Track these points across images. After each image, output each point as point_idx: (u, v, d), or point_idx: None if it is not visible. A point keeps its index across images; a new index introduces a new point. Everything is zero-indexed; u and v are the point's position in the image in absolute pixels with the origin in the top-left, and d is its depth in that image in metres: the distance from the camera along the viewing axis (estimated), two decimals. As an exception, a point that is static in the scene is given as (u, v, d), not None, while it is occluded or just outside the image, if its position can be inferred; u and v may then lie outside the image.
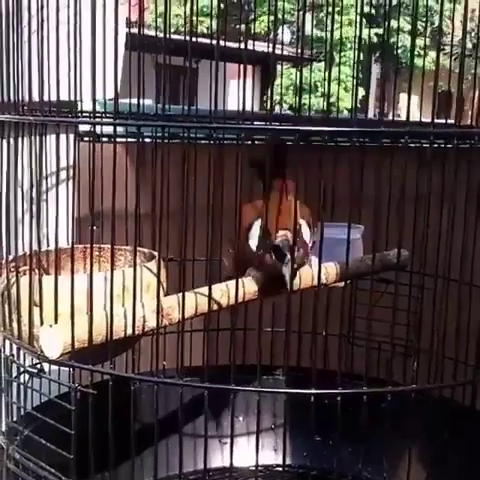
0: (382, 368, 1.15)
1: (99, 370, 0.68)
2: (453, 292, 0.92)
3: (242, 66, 0.91)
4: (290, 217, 0.77)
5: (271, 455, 1.14)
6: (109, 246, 0.94)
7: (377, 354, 1.11)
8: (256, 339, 1.14)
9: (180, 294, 0.75)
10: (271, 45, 1.02)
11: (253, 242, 0.85)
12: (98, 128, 1.07)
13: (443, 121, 1.32)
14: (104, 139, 1.15)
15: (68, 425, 0.70)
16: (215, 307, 0.79)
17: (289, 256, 0.76)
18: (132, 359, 0.99)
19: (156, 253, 0.86)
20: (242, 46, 1.07)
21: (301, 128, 0.65)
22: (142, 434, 0.81)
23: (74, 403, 0.68)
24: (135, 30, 1.23)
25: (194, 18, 1.31)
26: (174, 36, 1.20)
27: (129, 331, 0.69)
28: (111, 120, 0.94)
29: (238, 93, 1.23)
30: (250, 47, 1.38)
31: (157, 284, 0.69)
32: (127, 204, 1.13)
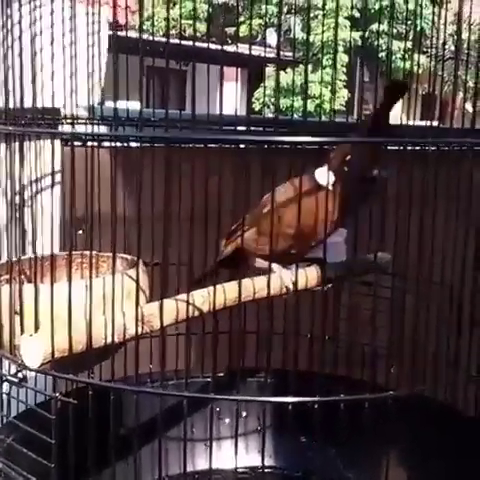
0: (367, 369, 1.16)
1: (78, 379, 0.68)
2: (435, 294, 0.93)
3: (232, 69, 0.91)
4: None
5: (256, 457, 1.15)
6: (93, 253, 0.95)
7: (361, 356, 1.12)
8: (243, 343, 1.15)
9: (162, 301, 0.75)
10: (261, 47, 1.02)
11: (322, 177, 0.86)
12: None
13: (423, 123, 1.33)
14: (89, 144, 1.16)
15: (50, 433, 0.70)
16: (197, 313, 0.79)
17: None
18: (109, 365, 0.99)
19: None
20: (230, 48, 1.07)
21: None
22: (126, 440, 0.81)
23: (54, 412, 0.68)
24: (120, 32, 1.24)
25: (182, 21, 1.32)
26: (163, 39, 1.20)
27: (109, 339, 0.69)
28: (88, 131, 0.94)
29: (221, 97, 1.24)
30: (238, 50, 1.38)
31: (136, 291, 0.69)
32: (113, 209, 1.13)
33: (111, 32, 1.32)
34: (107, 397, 0.70)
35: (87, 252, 0.90)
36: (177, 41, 1.29)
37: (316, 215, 0.85)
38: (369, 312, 0.93)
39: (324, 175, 0.86)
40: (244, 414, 1.13)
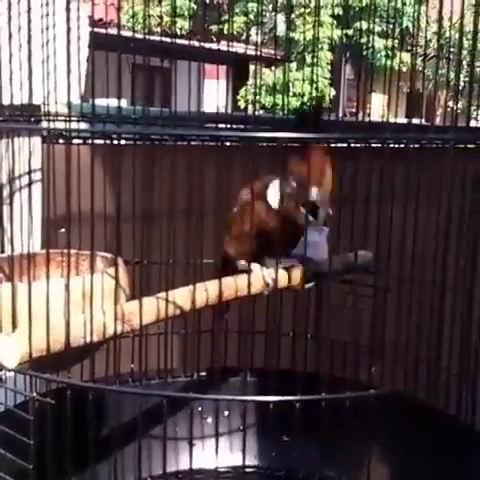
0: (349, 367, 1.16)
1: (56, 379, 0.67)
2: (416, 292, 0.93)
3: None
4: (325, 178, 0.84)
5: (239, 456, 1.14)
6: (73, 251, 0.94)
7: (343, 354, 1.12)
8: (230, 342, 1.15)
9: (143, 299, 0.75)
10: (245, 45, 1.02)
11: (272, 199, 0.89)
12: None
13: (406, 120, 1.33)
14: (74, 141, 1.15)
15: (29, 434, 0.69)
16: (178, 312, 0.79)
17: (321, 213, 0.83)
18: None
19: (118, 258, 0.85)
20: (215, 46, 1.07)
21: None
22: (106, 440, 0.81)
23: (32, 413, 0.67)
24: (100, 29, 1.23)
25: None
26: (146, 36, 1.19)
27: (89, 339, 0.69)
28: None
29: (198, 93, 1.23)
30: (224, 48, 1.38)
31: (115, 290, 0.68)
32: (93, 207, 1.12)
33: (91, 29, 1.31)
34: (87, 397, 0.69)
35: (66, 251, 0.89)
36: (158, 38, 1.29)
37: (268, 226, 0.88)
38: (351, 311, 0.93)
39: (274, 195, 0.89)
40: (226, 413, 1.12)
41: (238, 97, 8.03)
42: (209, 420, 1.17)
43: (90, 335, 0.68)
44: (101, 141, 1.21)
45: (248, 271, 0.87)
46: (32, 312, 0.67)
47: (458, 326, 0.84)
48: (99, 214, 1.12)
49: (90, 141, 1.14)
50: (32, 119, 1.12)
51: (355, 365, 1.01)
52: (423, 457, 0.94)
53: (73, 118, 1.18)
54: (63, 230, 1.23)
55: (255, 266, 0.90)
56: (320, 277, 0.99)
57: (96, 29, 1.18)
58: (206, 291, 0.80)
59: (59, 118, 1.12)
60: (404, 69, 1.38)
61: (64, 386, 0.69)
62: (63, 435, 0.65)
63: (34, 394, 0.68)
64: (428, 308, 0.92)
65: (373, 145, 1.04)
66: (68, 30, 0.99)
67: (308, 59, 7.05)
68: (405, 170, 0.97)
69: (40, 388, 0.75)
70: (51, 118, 1.13)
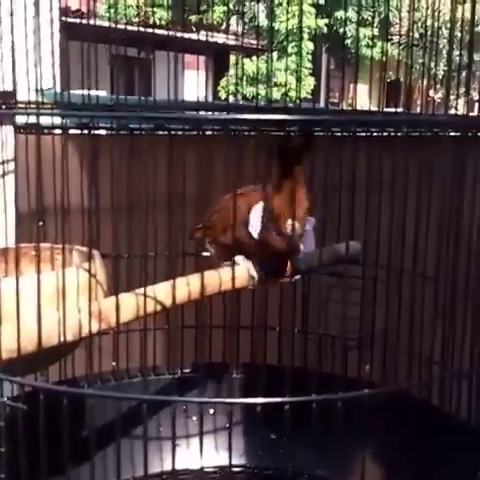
0: (338, 361, 1.13)
1: (27, 383, 0.63)
2: (406, 284, 0.90)
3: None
4: (301, 208, 0.82)
5: (225, 456, 1.11)
6: (48, 245, 0.89)
7: (331, 348, 1.09)
8: (215, 337, 1.11)
9: (121, 295, 0.70)
10: (226, 35, 0.98)
11: (254, 227, 0.86)
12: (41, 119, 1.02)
13: (392, 110, 1.31)
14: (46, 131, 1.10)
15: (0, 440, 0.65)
16: (159, 308, 0.75)
17: (302, 248, 0.82)
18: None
19: (95, 251, 0.81)
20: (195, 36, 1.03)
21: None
22: (85, 442, 0.76)
23: (2, 418, 0.63)
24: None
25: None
26: (128, 27, 1.16)
27: (64, 338, 0.64)
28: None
29: (176, 83, 1.19)
30: (204, 38, 1.34)
31: (89, 285, 0.63)
32: (69, 199, 1.08)
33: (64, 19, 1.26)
34: (62, 400, 0.65)
35: (43, 244, 0.85)
36: (136, 29, 1.24)
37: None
38: (339, 304, 0.90)
39: (255, 225, 0.86)
40: (212, 411, 1.09)
41: (219, 88, 7.97)
42: (194, 418, 1.13)
43: (65, 334, 0.64)
44: (78, 131, 1.17)
45: (232, 264, 0.84)
46: (1, 310, 0.63)
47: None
48: (77, 206, 1.08)
49: (62, 131, 1.09)
50: (3, 107, 1.07)
51: (345, 360, 0.98)
52: (416, 454, 0.91)
53: (46, 106, 1.13)
54: (41, 223, 1.19)
55: (239, 258, 0.87)
56: (307, 269, 0.95)
57: (70, 19, 1.14)
58: (188, 286, 0.76)
59: (32, 106, 1.07)
60: (384, 59, 1.36)
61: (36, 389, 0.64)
62: (37, 440, 0.61)
63: (4, 399, 0.64)
64: (419, 300, 0.89)
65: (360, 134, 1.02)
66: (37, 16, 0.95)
67: (289, 49, 7.01)
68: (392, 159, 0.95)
69: (12, 391, 0.71)
70: (24, 106, 1.08)
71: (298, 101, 1.54)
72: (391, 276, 0.98)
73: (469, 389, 0.76)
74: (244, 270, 0.85)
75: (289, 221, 0.80)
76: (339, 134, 1.07)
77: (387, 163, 0.93)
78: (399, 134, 0.95)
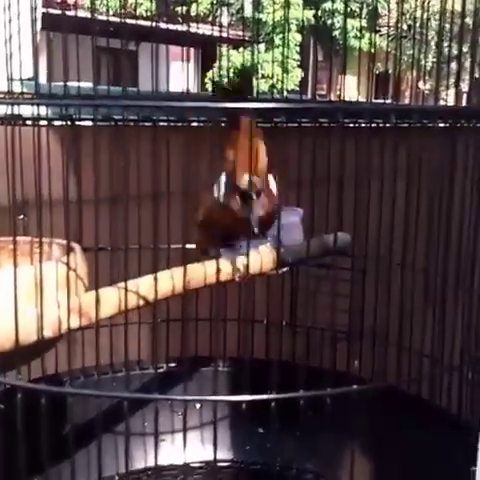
0: (325, 354, 1.12)
1: (4, 381, 0.60)
2: (396, 276, 0.88)
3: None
4: (257, 161, 0.76)
5: (211, 450, 1.09)
6: (27, 239, 0.86)
7: (320, 341, 1.08)
8: (201, 330, 1.09)
9: (102, 290, 0.68)
10: (212, 27, 0.95)
11: (220, 192, 0.83)
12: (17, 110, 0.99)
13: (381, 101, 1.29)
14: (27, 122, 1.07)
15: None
16: (142, 302, 0.73)
17: (255, 197, 0.75)
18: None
19: (75, 244, 0.79)
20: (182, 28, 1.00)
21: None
22: (66, 439, 0.74)
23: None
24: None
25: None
26: (112, 19, 1.13)
27: (44, 333, 0.62)
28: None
29: (167, 73, 1.16)
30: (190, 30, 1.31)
31: (71, 279, 0.61)
32: (50, 192, 1.05)
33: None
34: (40, 398, 0.63)
35: (20, 238, 0.82)
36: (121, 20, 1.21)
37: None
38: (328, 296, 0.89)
39: (221, 188, 0.84)
40: (198, 406, 1.06)
41: (206, 79, 7.92)
42: (180, 413, 1.11)
43: (43, 331, 0.61)
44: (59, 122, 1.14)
45: (217, 256, 0.82)
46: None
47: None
48: (59, 199, 1.06)
49: (36, 121, 1.07)
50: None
51: (334, 353, 0.97)
52: (406, 448, 0.90)
53: (27, 97, 1.10)
54: (21, 217, 1.16)
55: (225, 250, 0.85)
56: (295, 261, 0.93)
57: (52, 10, 1.12)
58: (172, 279, 0.74)
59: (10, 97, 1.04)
60: (373, 50, 1.34)
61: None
62: (15, 439, 0.59)
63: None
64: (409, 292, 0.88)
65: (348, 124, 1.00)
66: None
67: (277, 40, 6.97)
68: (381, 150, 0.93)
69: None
70: (3, 96, 1.05)
71: (285, 92, 1.53)
72: (380, 268, 0.97)
73: (460, 383, 0.75)
74: (228, 262, 0.83)
75: (246, 176, 0.77)
76: (327, 124, 1.06)
77: (376, 153, 0.92)
78: (388, 125, 0.94)
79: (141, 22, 1.17)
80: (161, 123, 1.11)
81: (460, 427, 0.82)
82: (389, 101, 1.52)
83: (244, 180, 0.77)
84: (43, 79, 1.19)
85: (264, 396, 0.60)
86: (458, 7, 0.94)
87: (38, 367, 1.00)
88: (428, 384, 0.73)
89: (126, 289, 0.64)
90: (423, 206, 0.83)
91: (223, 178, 0.83)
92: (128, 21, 1.13)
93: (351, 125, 1.08)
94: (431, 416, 0.88)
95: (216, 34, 1.66)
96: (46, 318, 0.63)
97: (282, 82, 1.58)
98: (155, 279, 0.69)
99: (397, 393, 0.77)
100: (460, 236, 0.82)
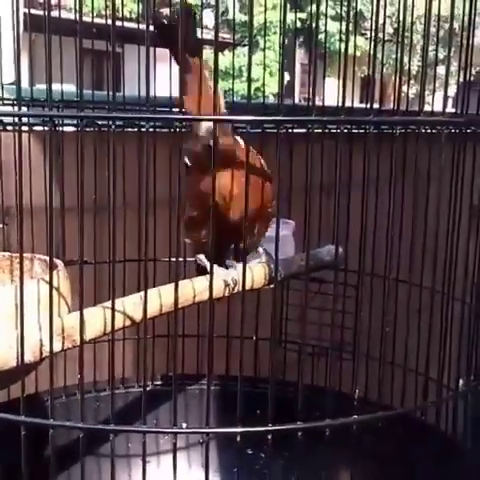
0: (318, 372, 1.08)
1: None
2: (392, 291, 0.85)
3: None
4: (210, 104, 0.71)
5: (200, 473, 1.05)
6: (7, 254, 0.82)
7: (311, 359, 1.04)
8: (188, 347, 1.05)
9: (87, 310, 0.64)
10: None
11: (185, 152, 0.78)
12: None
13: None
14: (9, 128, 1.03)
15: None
16: (128, 322, 0.68)
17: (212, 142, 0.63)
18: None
19: (58, 261, 0.74)
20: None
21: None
22: (47, 462, 0.70)
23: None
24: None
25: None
26: (96, 20, 1.09)
27: (24, 358, 0.57)
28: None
29: (154, 76, 1.12)
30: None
31: (50, 301, 0.56)
32: (31, 200, 1.01)
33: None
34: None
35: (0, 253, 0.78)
36: (103, 21, 1.17)
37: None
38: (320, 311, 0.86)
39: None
40: (184, 425, 1.02)
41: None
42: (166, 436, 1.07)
43: (23, 355, 0.57)
44: (41, 128, 1.09)
45: (206, 272, 0.78)
46: None
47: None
48: (40, 208, 1.01)
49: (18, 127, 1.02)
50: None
51: (330, 371, 0.93)
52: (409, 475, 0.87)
53: (7, 102, 1.06)
54: (1, 226, 1.11)
55: (201, 257, 0.84)
56: (286, 275, 0.90)
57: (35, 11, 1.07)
58: (160, 298, 0.70)
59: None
60: (358, 53, 1.32)
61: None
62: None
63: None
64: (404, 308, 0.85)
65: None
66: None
67: (261, 43, 6.94)
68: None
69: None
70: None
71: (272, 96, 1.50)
72: (374, 283, 0.94)
73: (465, 409, 0.71)
74: (219, 278, 0.79)
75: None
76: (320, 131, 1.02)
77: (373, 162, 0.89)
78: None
79: (125, 23, 1.13)
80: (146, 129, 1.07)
81: (466, 453, 0.78)
82: (376, 106, 1.49)
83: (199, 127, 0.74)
84: (25, 83, 1.14)
85: (260, 428, 0.56)
86: (444, 11, 0.92)
87: (17, 386, 0.96)
88: (434, 410, 0.70)
89: (113, 309, 0.59)
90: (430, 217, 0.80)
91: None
92: (111, 22, 1.09)
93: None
94: (436, 442, 0.84)
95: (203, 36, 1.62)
96: (27, 342, 0.58)
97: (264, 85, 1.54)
98: (143, 298, 0.64)
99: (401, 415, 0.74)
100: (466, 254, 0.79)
